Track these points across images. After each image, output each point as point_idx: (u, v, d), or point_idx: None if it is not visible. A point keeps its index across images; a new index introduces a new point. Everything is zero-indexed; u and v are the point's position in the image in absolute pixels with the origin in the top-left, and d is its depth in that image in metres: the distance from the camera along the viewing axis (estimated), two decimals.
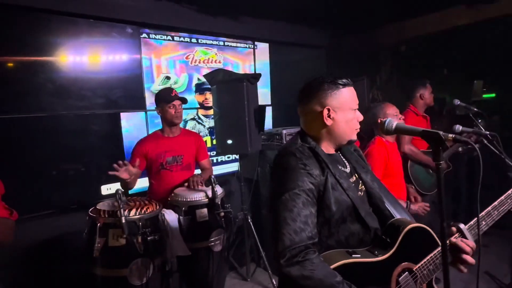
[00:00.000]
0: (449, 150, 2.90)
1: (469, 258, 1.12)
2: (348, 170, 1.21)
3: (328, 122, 1.14)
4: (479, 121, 2.59)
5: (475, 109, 2.52)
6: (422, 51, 4.40)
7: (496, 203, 1.19)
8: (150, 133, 2.67)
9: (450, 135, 0.95)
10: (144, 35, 2.99)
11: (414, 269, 1.10)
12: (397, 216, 1.22)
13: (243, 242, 3.17)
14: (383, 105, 2.28)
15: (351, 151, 1.32)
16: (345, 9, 3.65)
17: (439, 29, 3.82)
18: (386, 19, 4.07)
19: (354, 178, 1.22)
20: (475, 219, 1.15)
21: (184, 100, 2.38)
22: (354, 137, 1.19)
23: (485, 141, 2.02)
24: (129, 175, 1.97)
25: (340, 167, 1.18)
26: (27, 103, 2.47)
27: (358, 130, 1.19)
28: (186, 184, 2.31)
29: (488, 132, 2.02)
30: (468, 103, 2.64)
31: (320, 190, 1.08)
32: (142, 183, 2.51)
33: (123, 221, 1.69)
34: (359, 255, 1.07)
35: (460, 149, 3.01)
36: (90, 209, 1.89)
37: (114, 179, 2.71)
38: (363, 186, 1.22)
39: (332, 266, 1.00)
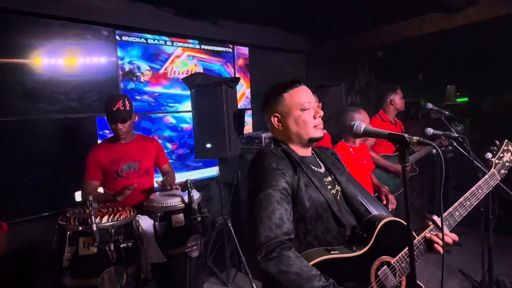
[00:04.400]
0: (416, 154, 3.00)
1: (439, 249, 1.14)
2: (322, 170, 1.24)
3: (280, 127, 1.22)
4: (459, 126, 2.69)
5: (447, 113, 2.60)
6: (398, 56, 4.53)
7: (467, 194, 1.25)
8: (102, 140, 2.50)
9: (415, 138, 0.97)
10: (119, 37, 2.94)
11: (392, 262, 1.12)
12: (374, 212, 1.25)
13: (223, 247, 3.14)
14: (351, 110, 2.35)
15: (328, 154, 1.37)
16: (325, 14, 3.71)
17: (415, 35, 3.95)
18: (365, 25, 4.17)
19: (330, 178, 1.25)
20: (447, 211, 1.21)
21: (124, 121, 2.13)
22: (315, 135, 1.20)
23: (455, 144, 2.09)
24: None
25: (313, 168, 1.21)
26: None
27: (320, 127, 1.20)
28: (161, 184, 2.22)
29: (457, 135, 2.08)
30: (441, 107, 2.72)
31: (294, 189, 1.11)
32: None
33: (94, 228, 1.63)
34: (337, 251, 1.08)
35: (434, 151, 3.10)
36: (60, 217, 1.82)
37: None
38: (338, 187, 1.25)
39: (310, 263, 1.02)
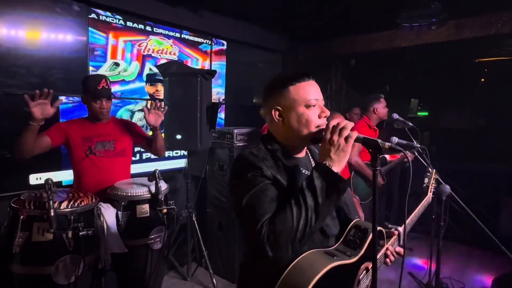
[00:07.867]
0: (388, 165, 3.16)
1: (388, 262, 1.28)
2: None
3: (280, 122, 1.10)
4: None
5: (411, 124, 2.77)
6: (369, 66, 4.72)
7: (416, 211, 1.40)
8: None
9: (387, 144, 1.02)
10: (93, 15, 2.78)
11: (369, 268, 1.16)
12: (353, 216, 1.26)
13: (185, 241, 3.09)
14: (332, 115, 2.41)
15: None
16: (305, 17, 3.77)
17: (386, 47, 4.14)
18: (341, 32, 4.29)
19: None
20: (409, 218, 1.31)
21: (110, 98, 2.15)
22: (317, 136, 1.10)
23: (416, 153, 2.23)
24: (41, 116, 1.81)
25: (303, 171, 1.14)
26: None
27: (323, 128, 1.07)
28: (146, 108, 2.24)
29: (419, 145, 2.23)
30: (405, 119, 2.89)
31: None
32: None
33: (52, 214, 1.54)
34: (338, 257, 1.06)
35: (405, 160, 3.26)
36: (13, 200, 1.69)
37: (45, 168, 2.50)
38: None
39: (322, 271, 0.96)
